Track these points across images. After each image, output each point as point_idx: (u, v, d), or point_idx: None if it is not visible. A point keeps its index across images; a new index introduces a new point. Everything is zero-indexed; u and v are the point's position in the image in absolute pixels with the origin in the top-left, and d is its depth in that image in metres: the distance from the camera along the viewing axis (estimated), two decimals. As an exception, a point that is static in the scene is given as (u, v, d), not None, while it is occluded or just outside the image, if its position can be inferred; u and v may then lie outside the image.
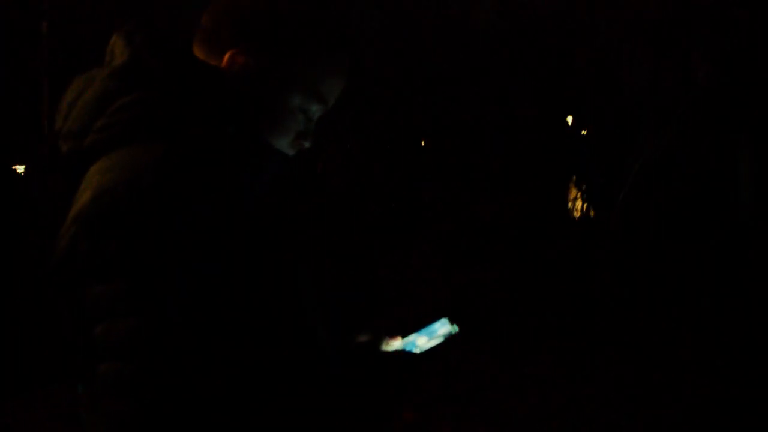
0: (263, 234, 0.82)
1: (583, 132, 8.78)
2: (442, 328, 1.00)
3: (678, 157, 6.83)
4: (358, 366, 0.90)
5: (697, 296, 5.55)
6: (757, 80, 6.64)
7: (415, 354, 0.95)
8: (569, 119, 8.81)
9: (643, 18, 7.42)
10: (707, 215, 6.68)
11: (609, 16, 7.93)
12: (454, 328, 0.99)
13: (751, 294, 5.47)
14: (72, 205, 0.82)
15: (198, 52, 0.92)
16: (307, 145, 0.96)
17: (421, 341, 0.98)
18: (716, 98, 6.75)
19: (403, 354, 0.95)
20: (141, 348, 0.74)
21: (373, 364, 0.92)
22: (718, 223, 6.64)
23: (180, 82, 0.85)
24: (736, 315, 5.14)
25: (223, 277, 0.77)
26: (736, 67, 6.82)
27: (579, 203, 7.74)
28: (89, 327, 0.77)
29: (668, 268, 6.08)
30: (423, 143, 10.46)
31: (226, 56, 0.89)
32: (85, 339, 0.78)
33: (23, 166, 7.76)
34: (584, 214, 7.62)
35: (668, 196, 6.78)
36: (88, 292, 0.77)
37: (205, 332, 0.76)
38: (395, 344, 0.98)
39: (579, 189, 7.79)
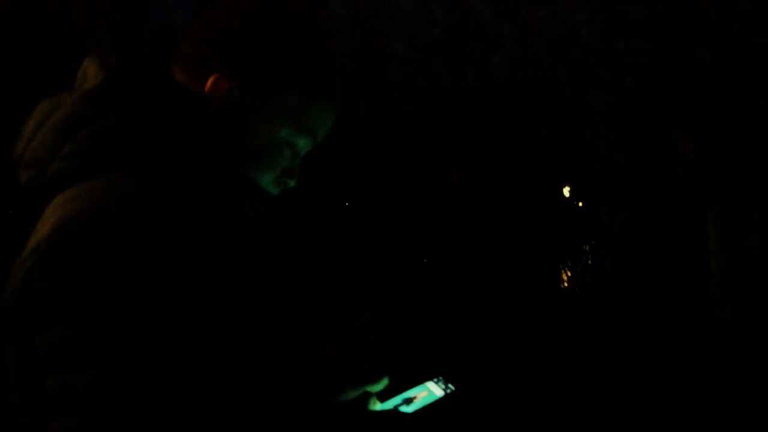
0: (236, 280, 0.74)
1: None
2: (438, 386, 0.91)
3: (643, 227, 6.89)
4: (344, 428, 0.81)
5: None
6: (730, 153, 6.78)
7: (406, 414, 0.86)
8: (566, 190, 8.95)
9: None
10: (672, 286, 6.70)
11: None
12: (450, 388, 0.91)
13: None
14: (29, 238, 0.73)
15: (178, 77, 0.84)
16: (291, 184, 0.89)
17: (414, 400, 0.89)
18: (699, 172, 6.89)
19: (393, 414, 0.86)
20: (102, 404, 0.63)
21: (359, 426, 0.82)
22: (685, 294, 6.65)
23: (158, 108, 0.77)
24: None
25: (195, 324, 0.68)
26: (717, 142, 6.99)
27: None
28: (39, 380, 0.67)
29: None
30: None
31: (209, 81, 0.81)
32: (32, 395, 0.68)
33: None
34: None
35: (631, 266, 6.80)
36: (40, 339, 0.67)
37: (176, 387, 0.66)
38: (385, 403, 0.89)
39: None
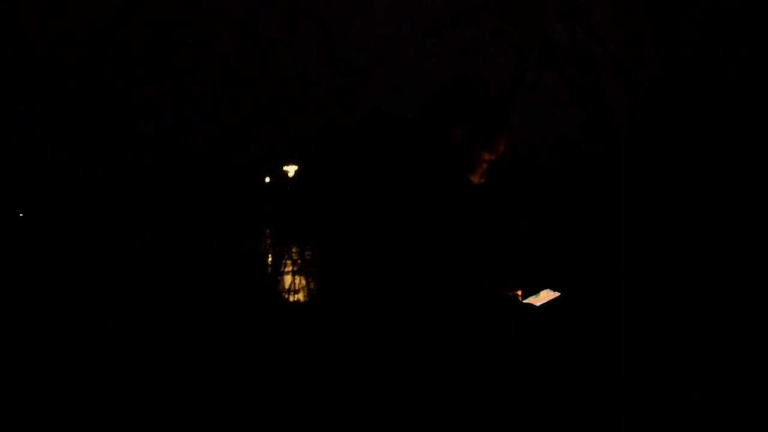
0: (474, 221, 1.56)
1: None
2: (549, 293, 1.72)
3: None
4: (509, 307, 1.63)
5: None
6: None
7: (536, 306, 1.67)
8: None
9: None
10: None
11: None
12: (556, 293, 1.71)
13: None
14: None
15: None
16: (483, 180, 1.69)
17: (537, 299, 1.70)
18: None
19: (530, 305, 1.67)
20: None
21: (518, 307, 1.64)
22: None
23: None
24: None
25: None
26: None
27: None
28: None
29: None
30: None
31: (455, 131, 1.63)
32: None
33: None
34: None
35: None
36: None
37: None
38: (527, 299, 1.70)
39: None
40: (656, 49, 9.72)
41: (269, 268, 13.13)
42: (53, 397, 4.38)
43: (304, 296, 9.24)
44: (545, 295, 1.69)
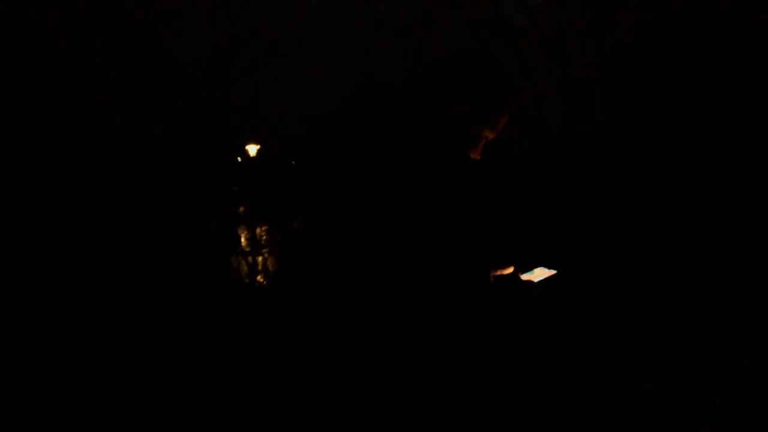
0: (471, 194, 1.51)
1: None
2: (543, 270, 1.68)
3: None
4: (508, 283, 1.59)
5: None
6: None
7: (534, 282, 1.64)
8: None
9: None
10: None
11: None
12: (552, 271, 1.68)
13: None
14: None
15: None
16: (479, 157, 1.64)
17: (533, 276, 1.66)
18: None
19: (528, 281, 1.63)
20: None
21: (518, 283, 1.60)
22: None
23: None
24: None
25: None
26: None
27: None
28: None
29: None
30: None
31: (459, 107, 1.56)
32: None
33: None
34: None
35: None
36: None
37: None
38: (523, 276, 1.66)
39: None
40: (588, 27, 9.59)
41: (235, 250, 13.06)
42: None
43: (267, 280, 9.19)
44: (540, 273, 1.66)
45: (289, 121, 22.11)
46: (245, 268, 10.71)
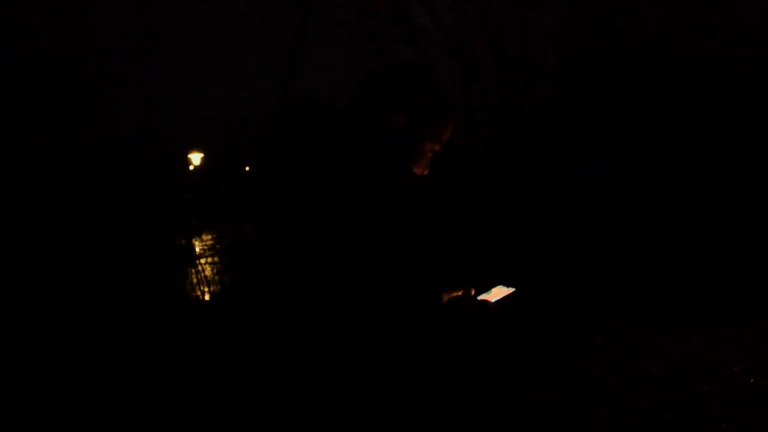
0: (415, 217, 1.39)
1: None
2: (502, 288, 1.57)
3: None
4: (462, 306, 1.48)
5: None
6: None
7: (491, 302, 1.53)
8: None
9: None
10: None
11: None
12: (510, 289, 1.57)
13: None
14: None
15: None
16: (426, 171, 1.52)
17: (490, 296, 1.55)
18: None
19: (485, 302, 1.52)
20: None
21: (472, 305, 1.49)
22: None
23: None
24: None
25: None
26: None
27: None
28: None
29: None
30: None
31: (396, 118, 1.44)
32: None
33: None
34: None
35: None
36: None
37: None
38: (479, 297, 1.55)
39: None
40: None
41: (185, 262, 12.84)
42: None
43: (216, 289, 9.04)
44: (498, 292, 1.55)
45: (229, 129, 21.89)
46: (202, 275, 10.55)
